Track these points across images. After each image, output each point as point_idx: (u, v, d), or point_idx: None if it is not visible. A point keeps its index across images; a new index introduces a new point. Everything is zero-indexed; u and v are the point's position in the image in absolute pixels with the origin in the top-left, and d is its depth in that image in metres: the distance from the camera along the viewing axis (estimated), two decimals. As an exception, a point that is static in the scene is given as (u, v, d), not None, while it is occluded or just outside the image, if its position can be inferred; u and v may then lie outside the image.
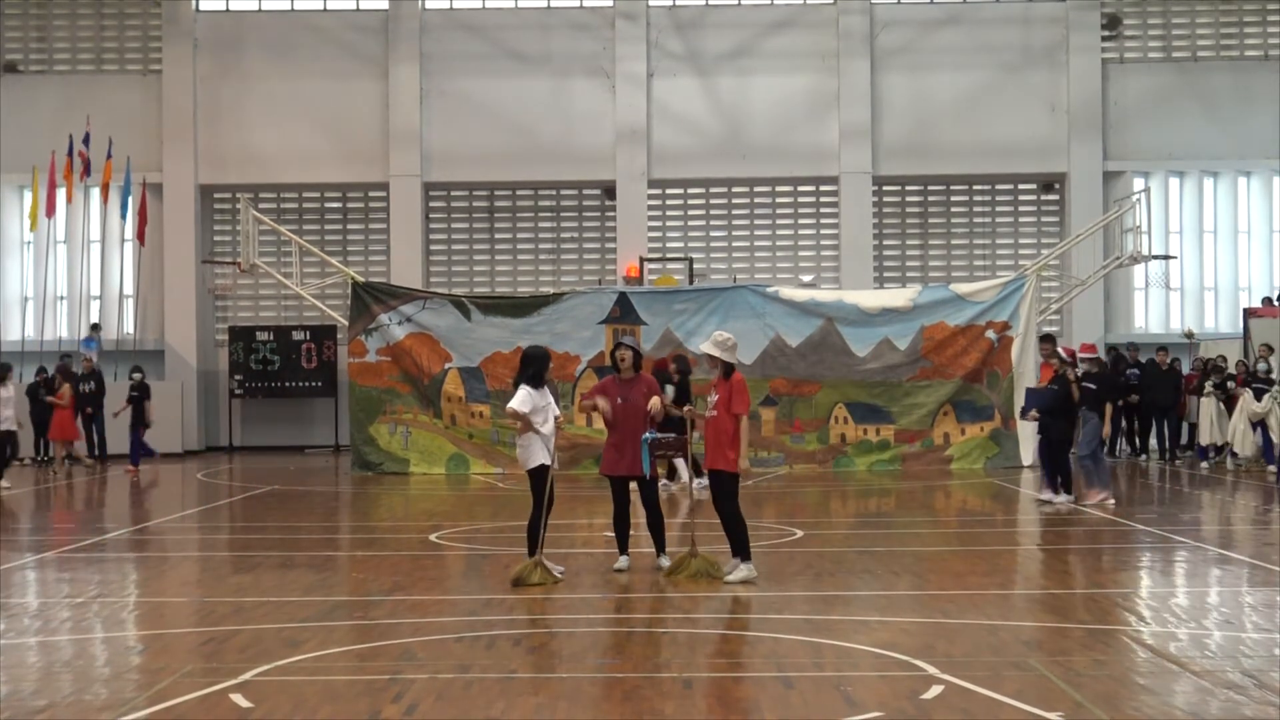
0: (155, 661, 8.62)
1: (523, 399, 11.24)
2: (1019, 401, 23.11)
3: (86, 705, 7.44)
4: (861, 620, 9.76)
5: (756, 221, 30.22)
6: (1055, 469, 17.21)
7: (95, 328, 28.60)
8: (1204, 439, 23.12)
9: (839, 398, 23.11)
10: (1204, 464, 22.81)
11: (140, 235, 28.59)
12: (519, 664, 8.37)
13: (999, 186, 30.33)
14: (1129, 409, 25.32)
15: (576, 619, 9.98)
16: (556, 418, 11.46)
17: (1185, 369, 25.53)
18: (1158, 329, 29.63)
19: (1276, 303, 26.55)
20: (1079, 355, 17.52)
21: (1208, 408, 23.05)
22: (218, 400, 29.75)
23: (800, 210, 30.26)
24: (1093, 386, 17.07)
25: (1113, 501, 17.02)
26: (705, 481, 12.14)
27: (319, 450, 28.93)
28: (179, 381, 28.50)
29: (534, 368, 11.35)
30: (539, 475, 11.33)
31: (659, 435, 11.61)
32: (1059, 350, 17.52)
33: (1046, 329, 22.10)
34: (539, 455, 11.31)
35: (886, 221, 30.18)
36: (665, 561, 11.72)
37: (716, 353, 11.19)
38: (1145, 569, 12.60)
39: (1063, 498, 17.05)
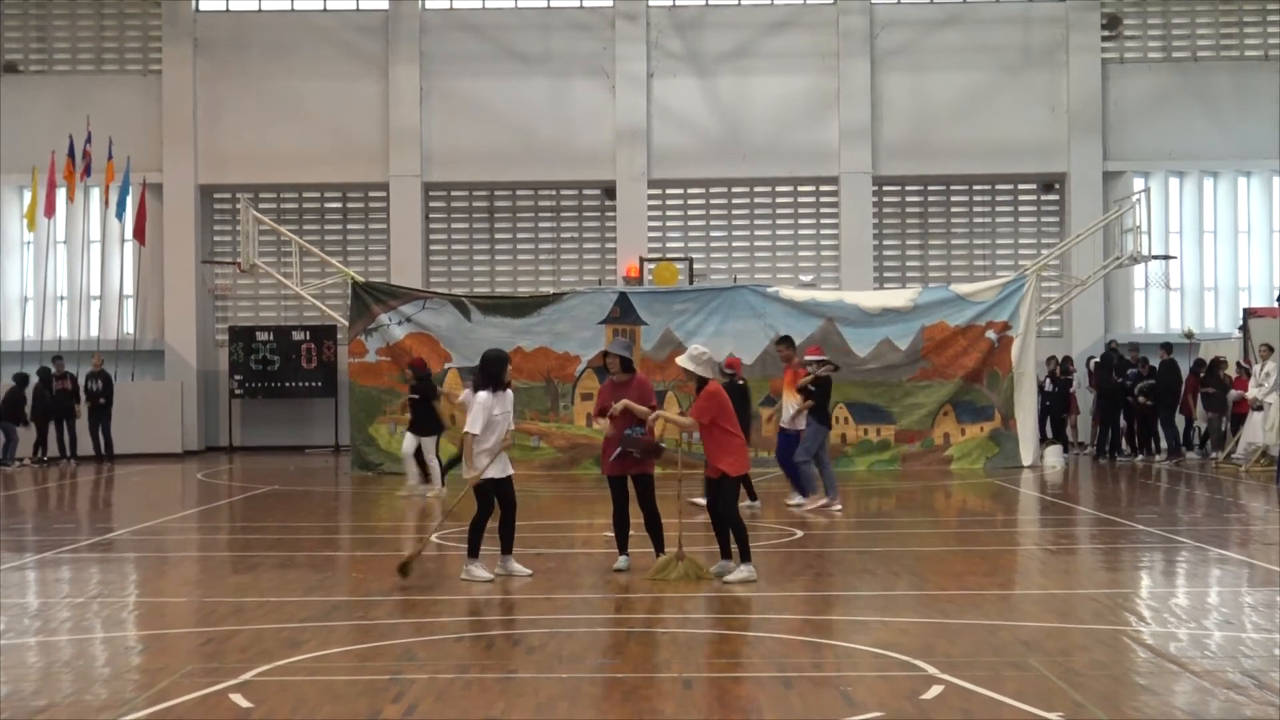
0: (155, 662, 8.61)
1: (476, 418, 11.18)
2: (1019, 402, 23.21)
3: (86, 705, 7.43)
4: (861, 620, 9.76)
5: (756, 222, 30.21)
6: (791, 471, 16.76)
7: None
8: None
9: (839, 398, 22.95)
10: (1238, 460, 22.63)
11: (140, 235, 28.58)
12: (519, 664, 8.37)
13: (999, 186, 30.33)
14: (1128, 409, 25.32)
15: (576, 619, 9.97)
16: (509, 430, 11.45)
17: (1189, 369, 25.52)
18: (1158, 329, 29.63)
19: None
20: (806, 357, 16.77)
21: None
22: (218, 400, 29.74)
23: (800, 210, 30.25)
24: (812, 389, 16.37)
25: (839, 508, 16.20)
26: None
27: (319, 450, 28.92)
28: (179, 382, 28.50)
29: (491, 370, 11.39)
30: (479, 488, 11.35)
31: (637, 433, 11.53)
32: (807, 355, 16.82)
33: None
34: (482, 468, 11.32)
35: (886, 221, 30.18)
36: (664, 561, 11.74)
37: (691, 367, 11.23)
38: (1145, 569, 12.60)
39: (796, 499, 16.61)
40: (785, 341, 17.49)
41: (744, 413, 15.43)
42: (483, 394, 11.32)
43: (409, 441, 18.82)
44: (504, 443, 11.40)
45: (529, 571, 11.59)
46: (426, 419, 18.63)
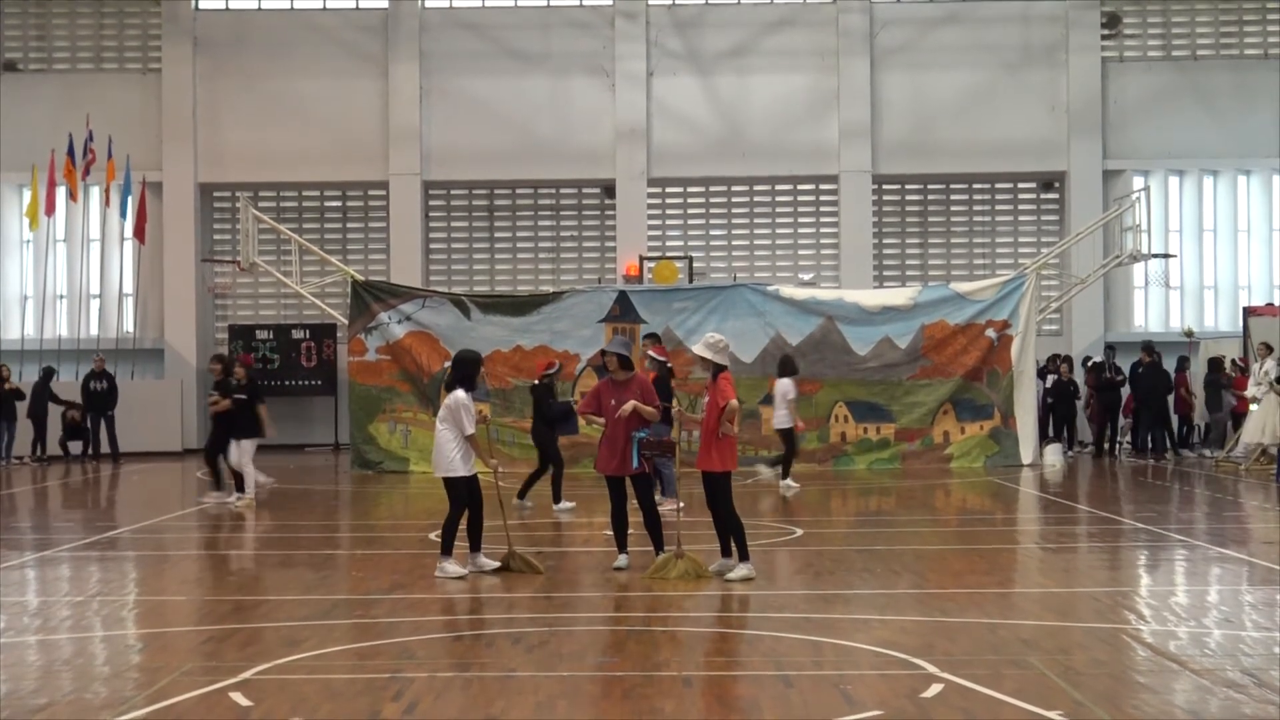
0: (155, 660, 8.62)
1: (467, 421, 11.48)
2: (1019, 400, 23.21)
3: (86, 704, 7.43)
4: (861, 619, 9.76)
5: (756, 220, 30.21)
6: None
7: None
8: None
9: (839, 396, 23.10)
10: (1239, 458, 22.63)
11: (139, 234, 28.58)
12: (518, 663, 8.37)
13: (999, 185, 30.32)
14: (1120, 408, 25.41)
15: (576, 617, 9.98)
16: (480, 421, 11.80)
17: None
18: (1157, 328, 29.62)
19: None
20: (649, 353, 16.04)
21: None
22: (217, 399, 29.68)
23: (800, 209, 30.25)
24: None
25: (680, 506, 12.91)
26: None
27: (319, 449, 28.91)
28: (179, 380, 28.49)
29: (468, 370, 11.67)
30: (454, 486, 11.58)
31: (649, 435, 11.63)
32: (650, 351, 16.10)
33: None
34: (459, 465, 11.54)
35: (886, 220, 30.17)
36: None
37: (709, 355, 11.24)
38: (1144, 567, 12.60)
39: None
40: (651, 337, 17.38)
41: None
42: (462, 394, 11.51)
43: (235, 449, 17.58)
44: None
45: (497, 564, 11.67)
46: (249, 423, 17.61)
